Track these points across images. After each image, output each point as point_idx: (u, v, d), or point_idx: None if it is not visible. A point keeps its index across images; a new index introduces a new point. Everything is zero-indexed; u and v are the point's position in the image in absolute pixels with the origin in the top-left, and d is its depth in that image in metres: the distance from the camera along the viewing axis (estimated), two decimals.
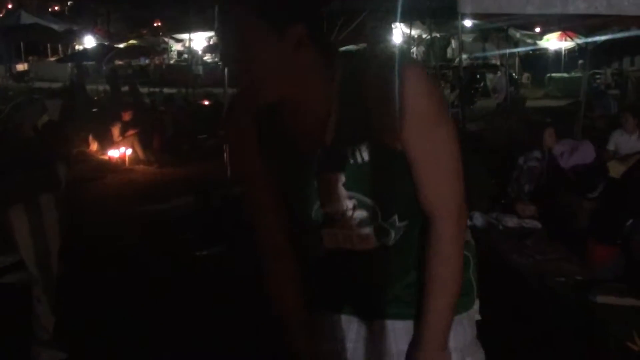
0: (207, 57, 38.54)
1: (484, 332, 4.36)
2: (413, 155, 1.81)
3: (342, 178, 1.84)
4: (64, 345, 4.39)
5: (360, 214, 1.88)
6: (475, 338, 2.12)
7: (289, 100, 1.80)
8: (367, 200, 1.86)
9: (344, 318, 2.06)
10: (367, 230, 1.90)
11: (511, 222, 7.40)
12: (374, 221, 1.89)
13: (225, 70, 11.30)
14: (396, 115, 1.75)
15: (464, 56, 19.42)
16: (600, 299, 5.26)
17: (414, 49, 28.37)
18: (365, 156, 1.81)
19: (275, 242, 2.06)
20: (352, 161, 1.82)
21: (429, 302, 1.89)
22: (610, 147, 9.12)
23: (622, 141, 9.07)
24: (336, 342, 2.07)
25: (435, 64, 21.99)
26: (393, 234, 1.91)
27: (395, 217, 1.90)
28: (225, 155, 9.88)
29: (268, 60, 1.71)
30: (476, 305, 2.15)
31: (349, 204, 1.87)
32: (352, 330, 2.06)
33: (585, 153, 8.34)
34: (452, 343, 1.95)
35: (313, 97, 1.80)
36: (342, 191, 1.86)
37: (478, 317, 2.17)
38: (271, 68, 1.72)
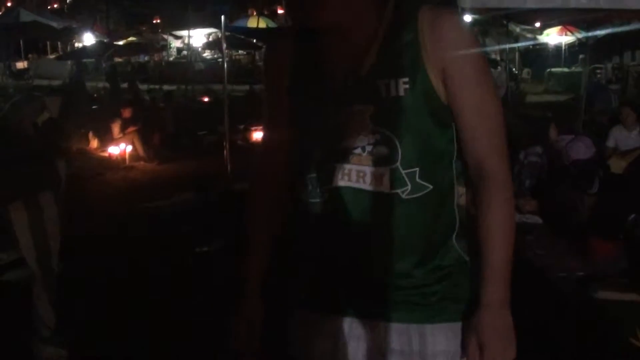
0: (207, 54, 38.56)
1: None
2: (463, 104, 1.79)
3: (371, 109, 1.80)
4: (65, 342, 4.38)
5: (381, 150, 1.81)
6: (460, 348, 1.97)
7: (336, 23, 1.78)
8: (392, 137, 1.80)
9: (341, 319, 1.97)
10: (383, 169, 1.82)
11: None
12: (393, 162, 1.81)
13: (225, 65, 11.23)
14: (451, 59, 1.75)
15: None
16: (602, 294, 5.27)
17: None
18: (402, 91, 1.77)
19: (268, 179, 2.09)
20: (384, 94, 1.78)
21: (492, 257, 1.81)
22: (610, 143, 9.05)
23: (622, 137, 9.01)
24: (333, 343, 1.98)
25: None
26: (409, 187, 1.82)
27: (417, 170, 1.81)
28: (225, 151, 9.87)
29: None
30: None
31: (371, 138, 1.81)
32: (348, 329, 1.96)
33: (586, 148, 8.34)
34: (444, 346, 1.88)
35: (360, 20, 1.79)
36: (368, 123, 1.80)
37: None
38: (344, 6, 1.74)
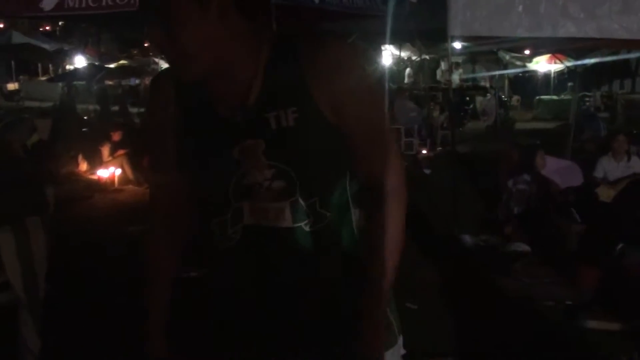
0: None
1: (475, 355, 4.33)
2: (356, 127, 1.80)
3: (263, 145, 1.80)
4: None
5: (279, 184, 1.82)
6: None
7: (214, 66, 1.76)
8: (287, 170, 1.81)
9: None
10: (284, 204, 1.84)
11: (500, 245, 7.41)
12: (292, 194, 1.83)
13: None
14: (339, 86, 1.75)
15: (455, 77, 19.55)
16: (590, 323, 5.27)
17: (407, 70, 28.49)
18: (291, 120, 1.77)
19: (160, 223, 2.07)
20: (275, 126, 1.78)
21: (376, 277, 1.85)
22: (599, 174, 9.03)
23: (611, 168, 8.99)
24: None
25: (424, 85, 22.11)
26: (312, 218, 1.85)
27: (317, 200, 1.84)
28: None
29: (195, 32, 1.70)
30: (400, 340, 2.06)
31: (267, 173, 1.82)
32: None
33: (574, 177, 8.38)
34: None
35: (238, 60, 1.78)
36: (263, 159, 1.81)
37: (403, 351, 2.10)
38: (198, 40, 1.71)
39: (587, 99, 24.07)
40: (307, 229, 1.85)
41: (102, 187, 12.50)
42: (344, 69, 1.76)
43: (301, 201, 1.83)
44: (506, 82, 28.83)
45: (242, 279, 1.94)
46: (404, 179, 1.91)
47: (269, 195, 1.83)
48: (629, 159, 9.04)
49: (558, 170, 8.65)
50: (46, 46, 33.24)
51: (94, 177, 13.06)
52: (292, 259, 1.87)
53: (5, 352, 4.40)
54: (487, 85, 26.37)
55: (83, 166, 13.61)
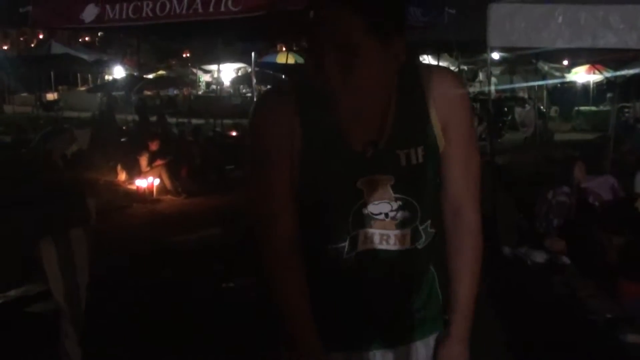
0: (245, 90, 38.61)
1: None
2: (454, 157, 1.92)
3: (392, 180, 1.88)
4: None
5: (404, 214, 1.93)
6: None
7: (356, 104, 1.77)
8: (414, 202, 1.92)
9: (367, 354, 2.06)
10: (405, 231, 1.95)
11: (540, 257, 7.34)
12: (413, 223, 1.95)
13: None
14: (451, 116, 1.86)
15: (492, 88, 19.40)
16: (631, 337, 5.19)
17: None
18: (420, 158, 1.86)
19: (288, 246, 1.97)
20: (405, 163, 1.86)
21: (461, 293, 2.05)
22: (639, 189, 8.82)
23: None
24: None
25: None
26: (424, 238, 1.98)
27: (429, 222, 1.97)
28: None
29: (375, 72, 1.71)
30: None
31: (394, 205, 1.91)
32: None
33: (614, 189, 8.28)
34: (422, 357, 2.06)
35: (379, 97, 1.81)
36: (390, 192, 1.90)
37: None
38: (377, 80, 1.73)
39: (626, 110, 23.78)
40: (419, 247, 1.99)
41: (140, 197, 12.59)
42: (458, 101, 1.88)
43: (419, 227, 1.96)
44: (545, 92, 28.64)
45: (353, 290, 2.02)
46: (481, 216, 2.04)
47: (394, 224, 1.94)
48: None
49: (598, 182, 8.55)
50: (85, 57, 33.57)
51: (133, 187, 13.17)
52: (404, 273, 2.02)
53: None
54: (526, 96, 26.19)
55: (122, 176, 13.72)
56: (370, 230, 1.93)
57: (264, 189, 1.97)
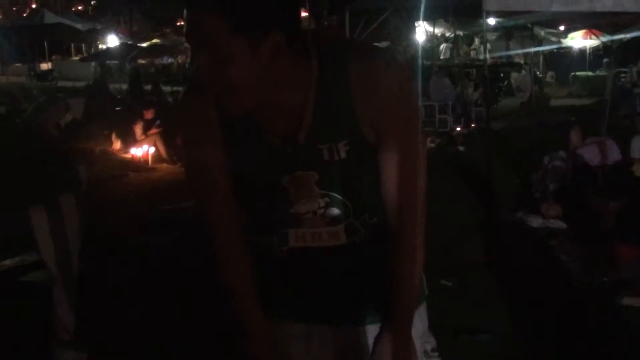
0: None
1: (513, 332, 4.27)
2: (390, 152, 1.80)
3: (316, 176, 1.83)
4: (84, 346, 4.37)
5: (332, 211, 1.88)
6: (428, 328, 2.17)
7: (263, 99, 1.72)
8: (340, 198, 1.87)
9: (308, 327, 2.04)
10: (338, 227, 1.90)
11: (536, 222, 7.35)
12: (346, 219, 1.90)
13: None
14: (382, 110, 1.75)
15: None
16: (627, 300, 5.21)
17: (442, 47, 28.34)
18: (343, 153, 1.79)
19: (233, 242, 1.97)
20: (327, 158, 1.80)
21: (398, 295, 1.92)
22: (635, 154, 8.78)
23: None
24: (300, 351, 2.06)
25: (458, 62, 21.95)
26: (363, 231, 1.92)
27: (366, 214, 1.91)
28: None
29: (245, 71, 1.64)
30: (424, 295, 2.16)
31: (321, 202, 1.87)
32: (317, 336, 2.05)
33: (611, 153, 8.27)
34: (413, 332, 1.98)
35: (288, 92, 1.74)
36: (316, 190, 1.85)
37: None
38: (248, 78, 1.65)
39: (623, 75, 23.71)
40: (358, 240, 1.93)
41: (135, 165, 12.56)
42: (390, 91, 1.74)
43: (354, 221, 1.91)
44: (541, 58, 28.55)
45: (295, 287, 2.01)
46: (419, 222, 1.94)
47: (323, 222, 1.90)
48: None
49: (594, 146, 8.53)
50: (78, 26, 33.51)
51: (128, 155, 13.13)
52: (344, 268, 1.96)
53: (41, 329, 4.43)
54: (522, 61, 26.11)
55: (117, 145, 13.69)
56: (301, 230, 1.91)
57: (199, 187, 1.96)
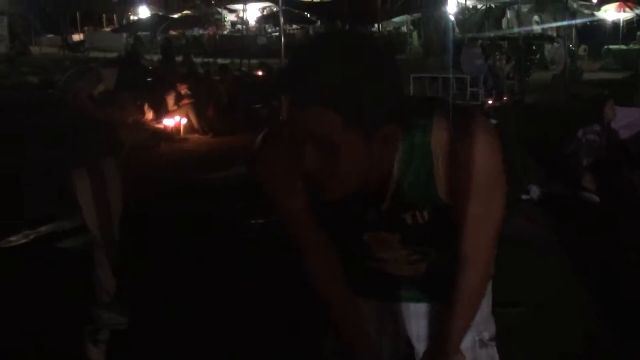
0: (270, 29, 38.32)
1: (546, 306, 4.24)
2: (464, 213, 1.78)
3: (398, 237, 1.88)
4: (124, 309, 4.43)
5: (416, 257, 1.95)
6: (490, 313, 2.19)
7: (346, 185, 1.65)
8: (424, 249, 1.94)
9: (399, 305, 2.14)
10: (420, 265, 1.98)
11: (569, 195, 7.33)
12: (429, 259, 1.97)
13: (283, 40, 11.06)
14: (464, 178, 1.71)
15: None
16: None
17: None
18: (425, 217, 1.80)
19: (328, 271, 2.03)
20: (410, 222, 1.81)
21: (451, 327, 1.93)
22: None
23: None
24: (396, 329, 2.16)
25: (490, 34, 21.78)
26: (444, 263, 1.94)
27: (450, 252, 1.89)
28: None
29: (355, 162, 1.58)
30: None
31: (403, 253, 1.93)
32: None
33: None
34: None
35: (376, 172, 1.69)
36: (397, 245, 1.90)
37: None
38: (357, 167, 1.59)
39: None
40: (438, 270, 1.97)
41: (167, 136, 12.64)
42: (474, 164, 1.70)
43: (436, 261, 1.97)
44: (574, 31, 28.28)
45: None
46: (491, 263, 1.97)
47: (406, 263, 1.97)
48: None
49: (629, 120, 8.46)
50: None
51: (160, 126, 13.20)
52: (418, 285, 2.07)
53: (83, 292, 4.50)
54: (554, 34, 25.86)
55: (149, 115, 13.74)
56: (382, 264, 1.99)
57: (290, 227, 1.96)
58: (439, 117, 1.68)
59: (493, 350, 2.16)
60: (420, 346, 2.13)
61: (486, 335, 2.12)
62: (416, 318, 2.13)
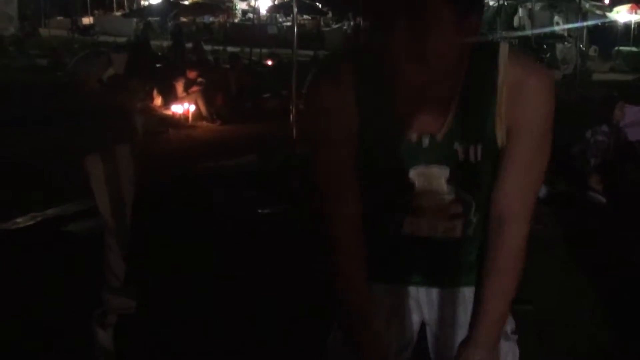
0: (281, 18, 38.22)
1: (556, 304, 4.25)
2: (516, 158, 1.75)
3: (447, 173, 1.80)
4: (134, 293, 4.45)
5: (457, 208, 1.86)
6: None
7: (420, 84, 1.60)
8: (468, 197, 1.85)
9: (415, 289, 2.07)
10: (456, 222, 1.89)
11: (576, 195, 7.35)
12: (467, 216, 1.88)
13: (295, 29, 11.01)
14: (523, 117, 1.70)
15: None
16: None
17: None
18: (479, 156, 1.75)
19: (350, 217, 1.90)
20: (462, 158, 1.76)
21: (490, 301, 1.85)
22: None
23: None
24: (409, 314, 2.08)
25: (501, 32, 21.74)
26: (476, 226, 1.90)
27: (483, 213, 1.87)
28: (291, 115, 9.65)
29: (443, 44, 1.54)
30: None
31: (447, 197, 1.84)
32: (424, 299, 2.08)
33: None
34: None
35: (440, 89, 1.65)
36: (444, 185, 1.82)
37: None
38: (443, 51, 1.55)
39: None
40: (470, 234, 1.92)
41: (176, 122, 12.65)
42: (536, 109, 1.70)
43: (472, 219, 1.89)
44: (585, 31, 28.22)
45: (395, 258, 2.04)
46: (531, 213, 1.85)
47: (443, 216, 1.88)
48: None
49: (636, 121, 8.47)
50: None
51: (168, 112, 13.22)
52: (453, 257, 2.00)
53: (91, 276, 4.52)
54: (565, 33, 25.81)
55: (158, 101, 13.78)
56: (418, 219, 1.89)
57: (325, 170, 1.89)
58: (508, 52, 1.70)
59: (514, 344, 2.07)
60: (437, 336, 2.10)
61: (508, 329, 2.04)
62: (436, 305, 2.07)
